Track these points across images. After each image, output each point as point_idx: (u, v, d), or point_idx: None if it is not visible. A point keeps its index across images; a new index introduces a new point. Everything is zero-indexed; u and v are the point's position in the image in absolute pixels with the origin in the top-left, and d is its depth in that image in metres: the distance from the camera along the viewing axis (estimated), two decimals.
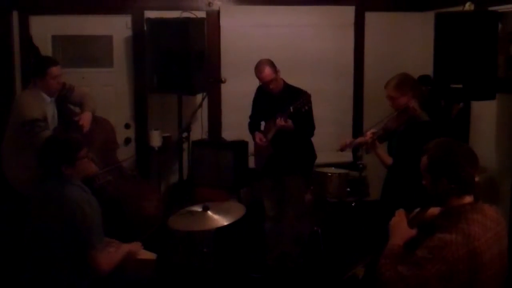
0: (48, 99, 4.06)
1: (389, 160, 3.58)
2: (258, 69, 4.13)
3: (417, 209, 2.40)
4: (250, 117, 4.47)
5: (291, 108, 3.98)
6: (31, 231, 2.88)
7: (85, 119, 4.10)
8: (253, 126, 4.43)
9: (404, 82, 3.53)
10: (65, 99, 4.24)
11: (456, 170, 2.19)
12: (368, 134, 3.66)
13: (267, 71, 4.08)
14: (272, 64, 4.12)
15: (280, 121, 4.00)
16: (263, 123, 4.45)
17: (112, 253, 2.94)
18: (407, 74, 3.62)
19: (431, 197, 2.30)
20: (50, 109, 4.10)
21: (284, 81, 4.24)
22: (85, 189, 2.88)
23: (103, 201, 4.07)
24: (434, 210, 2.37)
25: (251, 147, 4.96)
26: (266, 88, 4.18)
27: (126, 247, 3.04)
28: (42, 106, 3.99)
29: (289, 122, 4.00)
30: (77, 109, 4.30)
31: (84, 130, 4.04)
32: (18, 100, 4.13)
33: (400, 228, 2.33)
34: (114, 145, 4.59)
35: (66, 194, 2.78)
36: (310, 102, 4.00)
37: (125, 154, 4.97)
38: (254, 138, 4.39)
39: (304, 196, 4.47)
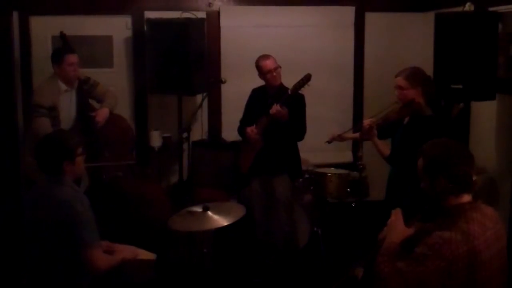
0: (63, 87, 4.22)
1: (386, 151, 3.55)
2: (262, 58, 4.20)
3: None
4: (241, 121, 4.44)
5: (289, 90, 3.98)
6: (27, 232, 2.89)
7: (101, 115, 4.25)
8: (242, 130, 4.39)
9: (416, 75, 3.50)
10: (88, 94, 4.38)
11: (452, 168, 2.20)
12: (366, 121, 3.64)
13: (272, 59, 4.19)
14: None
15: (276, 107, 3.99)
16: None
17: (108, 255, 2.93)
18: (421, 68, 3.59)
19: (429, 197, 2.31)
20: (65, 99, 4.25)
21: (281, 82, 4.25)
22: (76, 189, 2.89)
23: (111, 196, 4.13)
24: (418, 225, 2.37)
25: None
26: (269, 77, 4.18)
27: (120, 255, 3.01)
28: (55, 94, 4.16)
29: (285, 109, 3.99)
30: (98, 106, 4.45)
31: (99, 126, 4.20)
32: (35, 87, 4.46)
33: (397, 227, 2.35)
34: (130, 144, 4.63)
35: (57, 194, 2.78)
36: (309, 80, 3.98)
37: None
38: (243, 137, 4.36)
39: (292, 198, 4.42)
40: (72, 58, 4.22)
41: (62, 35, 4.52)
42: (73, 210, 2.73)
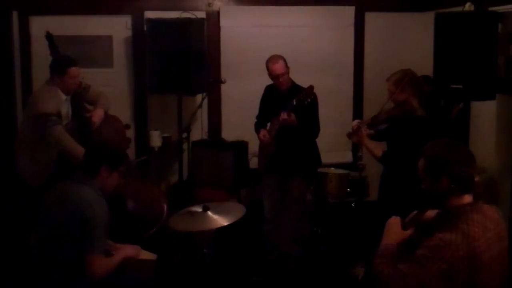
0: (64, 97, 4.14)
1: (378, 152, 3.58)
2: (271, 61, 4.17)
3: (414, 212, 2.40)
4: (257, 117, 4.46)
5: (294, 101, 3.99)
6: (40, 227, 2.91)
7: (97, 115, 4.20)
8: (259, 126, 4.41)
9: (405, 79, 3.53)
10: (81, 97, 4.29)
11: (454, 168, 2.19)
12: (355, 122, 3.70)
13: (280, 64, 4.14)
14: (284, 60, 4.19)
15: (283, 115, 4.00)
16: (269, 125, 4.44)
17: (108, 260, 2.93)
18: (411, 71, 3.60)
19: (430, 198, 2.30)
20: (65, 107, 4.17)
21: (292, 81, 4.25)
22: (100, 194, 2.91)
23: (109, 197, 4.12)
24: (431, 213, 2.37)
25: (251, 148, 4.96)
26: (275, 81, 4.18)
27: (123, 253, 3.03)
28: (58, 103, 4.07)
29: (292, 116, 3.99)
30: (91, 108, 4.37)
31: (95, 126, 4.14)
32: (35, 94, 4.23)
33: (393, 229, 2.36)
34: (124, 144, 4.62)
35: (80, 192, 2.83)
36: (312, 94, 3.97)
37: None
38: (258, 137, 4.39)
39: (305, 198, 4.45)
40: (76, 71, 4.10)
41: (49, 35, 4.35)
42: (91, 212, 2.76)
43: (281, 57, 4.17)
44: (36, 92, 4.28)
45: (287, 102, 4.04)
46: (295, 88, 4.18)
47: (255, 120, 4.46)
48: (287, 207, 4.37)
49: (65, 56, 4.36)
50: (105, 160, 2.93)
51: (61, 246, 2.79)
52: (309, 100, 3.96)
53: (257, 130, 4.39)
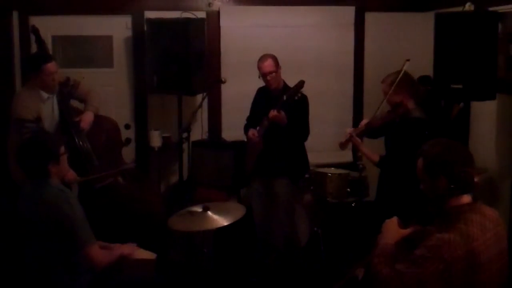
0: (45, 96, 3.99)
1: (375, 158, 3.61)
2: (261, 59, 4.18)
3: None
4: (247, 119, 4.45)
5: (284, 96, 3.98)
6: (23, 234, 2.90)
7: (86, 120, 4.07)
8: (248, 128, 4.40)
9: (400, 81, 3.54)
10: (69, 95, 4.16)
11: (453, 168, 2.19)
12: (347, 131, 3.74)
13: (269, 62, 4.14)
14: (275, 59, 4.18)
15: (272, 112, 3.99)
16: None
17: (105, 251, 2.93)
18: (406, 72, 3.62)
19: (428, 199, 2.30)
20: (48, 106, 4.04)
21: (284, 82, 4.24)
22: (63, 189, 2.87)
23: (105, 202, 4.09)
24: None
25: None
26: (264, 80, 4.19)
27: (119, 250, 3.03)
28: (37, 105, 3.93)
29: (282, 113, 3.98)
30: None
31: (84, 132, 4.04)
32: (14, 98, 4.10)
33: (391, 228, 2.37)
34: (118, 144, 4.57)
35: (44, 197, 2.78)
36: (302, 86, 3.96)
37: (125, 154, 4.95)
38: (247, 137, 4.37)
39: (292, 201, 4.43)
40: (52, 67, 3.87)
41: (34, 30, 4.20)
42: (62, 212, 2.73)
43: (271, 56, 4.17)
44: (16, 96, 4.16)
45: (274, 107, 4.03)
46: (286, 89, 4.17)
47: (245, 122, 4.44)
48: (276, 210, 4.36)
49: (39, 53, 4.20)
50: (48, 158, 2.81)
51: (51, 250, 2.78)
52: (299, 95, 3.95)
53: (246, 132, 4.39)
